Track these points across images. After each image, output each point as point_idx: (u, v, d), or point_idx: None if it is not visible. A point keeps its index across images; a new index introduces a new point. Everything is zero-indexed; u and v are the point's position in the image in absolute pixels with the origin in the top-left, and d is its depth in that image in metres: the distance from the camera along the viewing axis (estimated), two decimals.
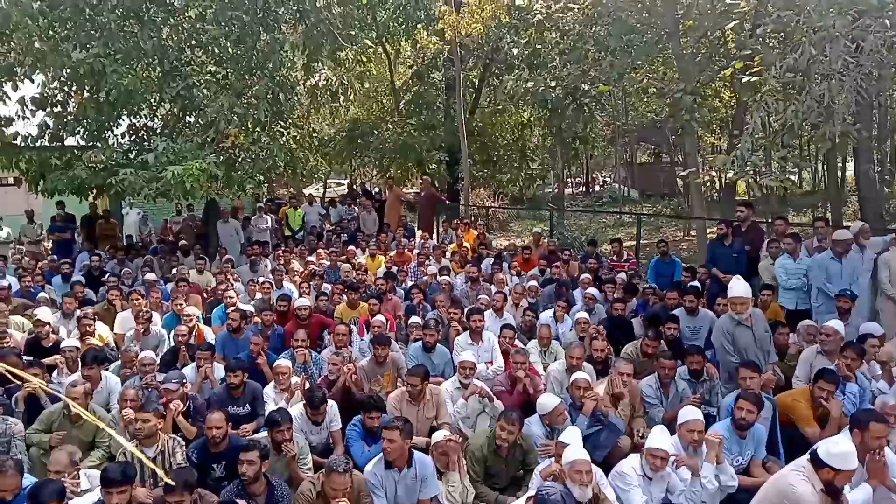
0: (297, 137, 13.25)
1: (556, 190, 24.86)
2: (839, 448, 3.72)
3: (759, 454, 4.91)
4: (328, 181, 26.25)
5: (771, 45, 8.66)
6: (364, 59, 14.93)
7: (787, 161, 9.75)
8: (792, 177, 21.64)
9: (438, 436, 4.76)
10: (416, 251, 11.34)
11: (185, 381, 5.62)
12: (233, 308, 7.43)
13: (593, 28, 12.29)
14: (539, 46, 14.36)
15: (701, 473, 4.46)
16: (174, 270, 10.05)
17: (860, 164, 10.91)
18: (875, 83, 7.57)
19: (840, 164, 17.25)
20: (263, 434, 4.89)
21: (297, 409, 5.33)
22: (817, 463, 3.75)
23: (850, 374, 5.49)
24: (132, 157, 10.77)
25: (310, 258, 10.65)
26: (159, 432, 4.79)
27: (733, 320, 5.89)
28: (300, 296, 8.45)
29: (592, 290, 8.10)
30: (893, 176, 20.27)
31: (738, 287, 5.90)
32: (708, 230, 13.02)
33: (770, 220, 9.19)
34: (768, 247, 7.97)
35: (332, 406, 5.45)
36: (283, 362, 5.91)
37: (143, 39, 9.99)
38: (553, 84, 13.80)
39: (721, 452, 4.51)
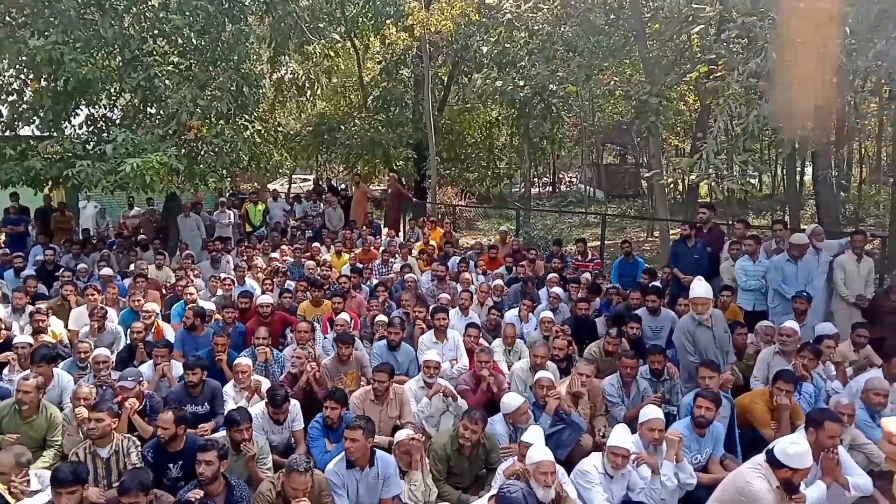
0: (262, 131, 13.06)
1: (523, 189, 25.01)
2: (795, 448, 3.79)
3: (718, 452, 4.98)
4: (294, 176, 25.94)
5: (735, 50, 8.81)
6: (332, 54, 14.80)
7: (749, 165, 9.93)
8: (752, 180, 22.17)
9: (401, 435, 4.72)
10: (381, 249, 11.26)
11: (141, 379, 5.46)
12: (190, 305, 7.27)
13: (562, 28, 12.37)
14: (508, 46, 14.42)
15: (661, 471, 4.50)
16: (132, 266, 9.79)
17: (818, 168, 11.17)
18: (834, 89, 7.75)
19: (799, 169, 17.72)
20: (222, 433, 4.79)
21: (258, 408, 5.24)
22: (774, 463, 3.82)
23: (806, 374, 5.62)
24: (90, 148, 10.46)
25: (273, 254, 10.49)
26: (114, 432, 4.65)
27: (694, 320, 5.98)
28: (262, 293, 8.31)
29: (557, 290, 8.14)
30: (850, 181, 20.89)
31: (700, 288, 5.99)
32: (671, 231, 13.25)
33: (731, 223, 9.37)
34: (729, 248, 8.12)
35: (294, 405, 5.36)
36: (243, 361, 5.79)
37: (103, 27, 9.72)
38: (521, 83, 13.88)
39: (681, 450, 4.56)
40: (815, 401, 5.56)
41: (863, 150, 23.45)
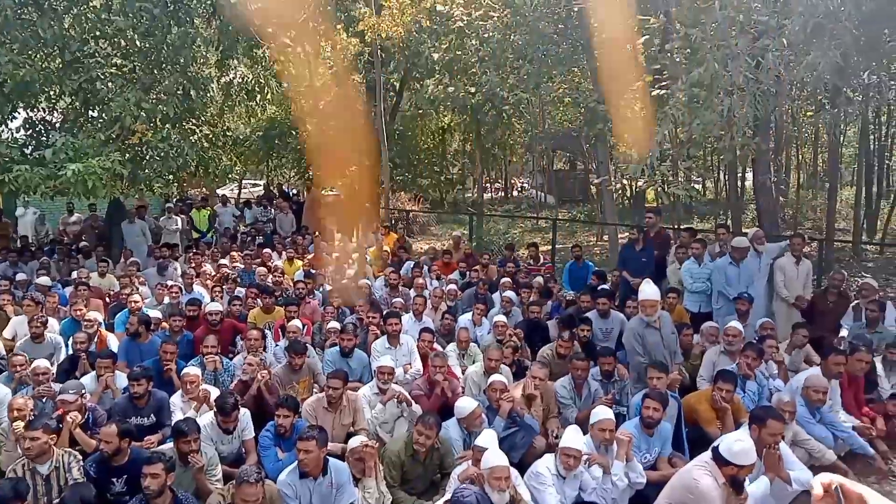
0: (210, 136, 12.79)
1: (476, 195, 25.15)
2: (739, 445, 3.91)
3: (666, 451, 5.10)
4: (244, 182, 25.49)
5: (678, 60, 9.09)
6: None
7: (693, 171, 10.24)
8: (697, 186, 22.84)
9: (355, 442, 4.68)
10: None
11: (83, 391, 5.27)
12: (135, 312, 7.06)
13: (512, 36, 12.53)
14: (459, 53, 14.51)
15: (612, 471, 4.59)
16: (73, 274, 9.45)
17: (758, 174, 11.57)
18: (773, 98, 8.07)
19: (740, 174, 18.34)
20: (169, 445, 4.66)
21: (206, 418, 5.11)
22: (720, 460, 3.94)
23: (750, 372, 5.81)
24: (28, 152, 10.06)
25: (223, 261, 10.28)
26: (53, 448, 4.47)
27: (643, 322, 6.12)
28: (212, 300, 8.13)
29: (510, 294, 8.21)
30: (788, 186, 21.71)
31: (648, 290, 6.13)
32: (619, 235, 13.54)
33: (677, 227, 9.64)
34: (675, 252, 8.34)
35: (244, 414, 5.25)
36: (191, 370, 5.65)
37: (42, 28, 9.38)
38: (473, 90, 14.00)
39: (630, 450, 4.66)
40: (758, 398, 5.75)
41: (800, 156, 24.43)
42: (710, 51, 7.30)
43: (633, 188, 19.75)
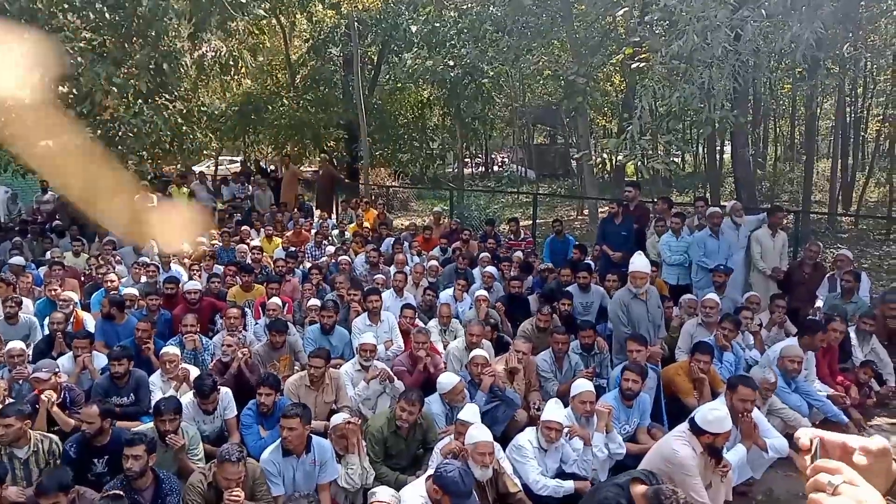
0: (184, 111, 12.54)
1: (456, 170, 25.05)
2: (714, 414, 3.99)
3: (644, 422, 5.18)
4: (221, 158, 25.12)
5: (658, 32, 9.05)
6: (257, 31, 14.29)
7: (672, 145, 10.26)
8: (676, 159, 22.96)
9: (337, 419, 4.68)
10: (313, 231, 11.07)
11: (57, 370, 5.22)
12: (111, 292, 6.96)
13: (490, 8, 12.39)
14: (438, 25, 14.34)
15: (592, 442, 4.65)
16: (48, 254, 9.27)
17: (737, 147, 11.66)
18: (751, 71, 8.08)
19: (718, 147, 18.46)
20: (149, 425, 4.63)
21: (187, 398, 5.08)
22: (696, 430, 4.00)
23: (727, 343, 5.89)
24: None
25: (200, 238, 10.14)
26: (30, 431, 4.41)
27: (630, 293, 6.16)
28: (189, 279, 8.03)
29: (491, 269, 8.22)
30: (766, 159, 21.93)
31: (639, 262, 6.17)
32: (599, 209, 13.59)
33: (655, 200, 9.69)
34: (655, 225, 8.39)
35: (225, 393, 5.22)
36: (170, 349, 5.59)
37: (8, 2, 9.05)
38: (452, 63, 13.86)
39: (610, 422, 4.71)
40: (735, 369, 5.84)
41: (777, 129, 24.63)
42: (690, 23, 7.26)
43: (613, 162, 19.79)
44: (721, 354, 5.84)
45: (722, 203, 10.78)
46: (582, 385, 4.83)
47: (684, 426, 4.15)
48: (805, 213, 12.68)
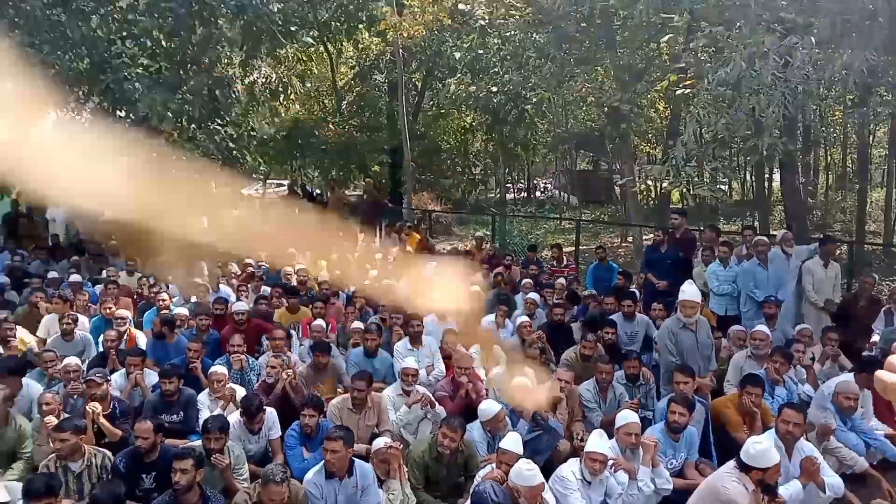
0: (235, 136, 12.93)
1: (498, 195, 25.09)
2: (757, 448, 3.89)
3: (692, 456, 5.04)
4: (268, 181, 25.71)
5: (703, 59, 8.97)
6: (305, 58, 14.70)
7: (719, 171, 10.12)
8: (723, 187, 22.57)
9: (379, 443, 4.69)
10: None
11: (108, 378, 5.44)
12: (163, 311, 7.15)
13: (534, 35, 12.48)
14: (481, 52, 14.50)
15: (637, 476, 4.54)
16: (103, 273, 9.60)
17: (786, 175, 11.42)
18: (801, 98, 7.93)
19: (767, 175, 18.09)
20: (198, 442, 4.72)
21: (234, 417, 5.16)
22: (743, 467, 3.90)
23: (778, 378, 5.72)
24: None
25: (248, 260, 10.35)
26: (85, 446, 4.55)
27: (679, 322, 6.04)
28: (237, 299, 8.20)
29: (533, 295, 8.17)
30: (817, 187, 21.37)
31: (690, 290, 6.04)
32: (644, 237, 13.42)
33: (702, 228, 9.54)
34: (701, 254, 8.24)
35: (270, 413, 5.29)
36: (218, 369, 5.71)
37: (70, 29, 9.54)
38: (495, 90, 13.97)
39: (656, 455, 4.61)
40: (778, 411, 5.65)
41: (829, 157, 24.02)
42: (737, 49, 7.19)
43: (658, 189, 19.57)
44: (773, 389, 5.67)
45: (771, 232, 10.54)
46: (627, 416, 4.74)
47: (733, 463, 4.04)
48: (859, 243, 12.30)
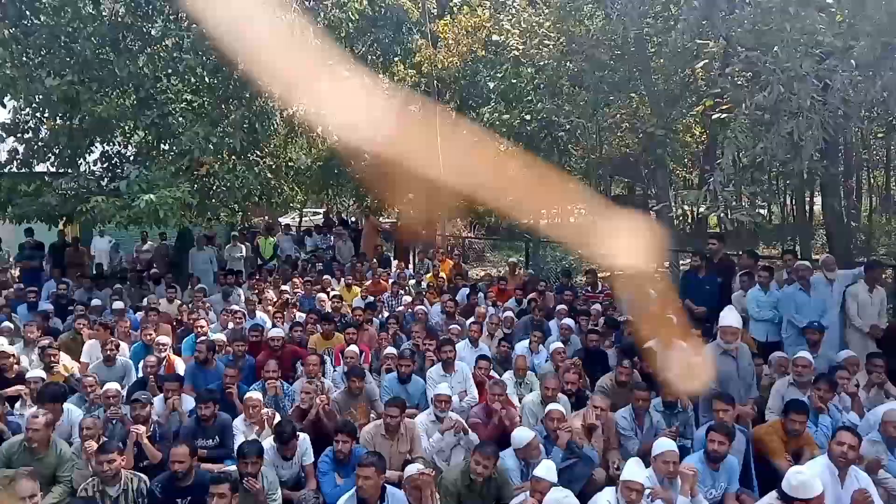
0: (273, 166, 13.23)
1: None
2: (798, 478, 3.77)
3: (733, 487, 4.90)
4: (305, 210, 26.14)
5: (740, 83, 8.90)
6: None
7: (757, 196, 9.95)
8: (762, 211, 22.14)
9: (411, 469, 4.68)
10: (391, 281, 11.27)
11: (151, 401, 5.57)
12: (201, 339, 7.28)
13: (568, 64, 12.54)
14: (515, 81, 14.61)
15: None
16: (145, 300, 9.85)
17: (828, 198, 11.17)
18: (841, 121, 7.81)
19: (808, 199, 17.71)
20: (233, 467, 4.77)
21: (268, 443, 5.21)
22: (785, 498, 3.78)
23: (822, 405, 5.54)
24: (104, 184, 10.64)
25: (284, 287, 10.52)
26: (122, 469, 4.64)
27: (719, 348, 5.92)
28: (273, 326, 8.32)
29: (568, 321, 8.10)
30: (860, 210, 20.81)
31: (730, 317, 5.94)
32: (680, 262, 13.21)
33: (739, 253, 9.36)
34: (740, 279, 8.08)
35: (303, 439, 5.33)
36: (253, 394, 5.78)
37: (118, 67, 9.94)
38: (528, 118, 14.03)
39: (695, 485, 4.49)
40: (831, 433, 5.46)
41: (872, 180, 23.42)
42: (774, 74, 7.13)
43: (695, 214, 19.30)
44: (816, 417, 5.49)
45: (813, 257, 10.28)
46: (665, 444, 4.64)
47: (775, 494, 3.91)
48: None
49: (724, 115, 7.80)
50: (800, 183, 10.16)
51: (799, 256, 9.03)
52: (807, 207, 17.86)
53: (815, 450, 4.92)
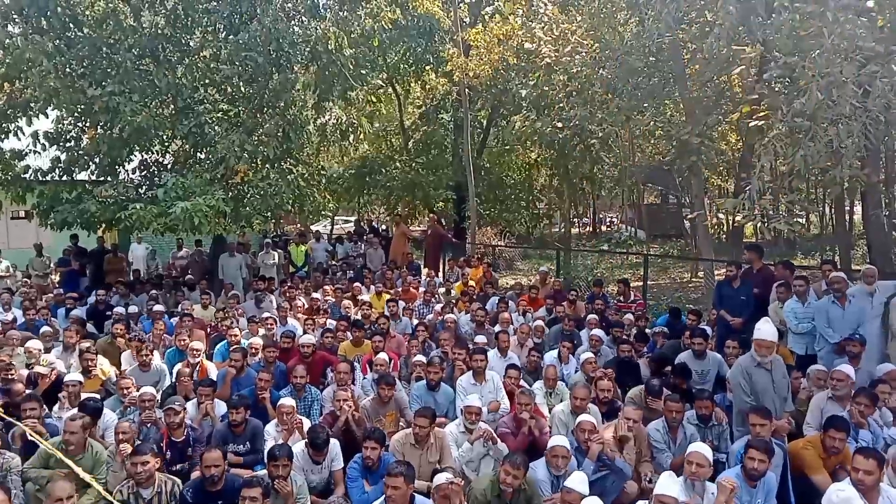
0: (306, 175, 13.38)
1: (563, 230, 24.88)
2: (840, 496, 3.66)
3: (770, 503, 4.77)
4: (336, 218, 26.40)
5: (777, 89, 8.73)
6: (374, 99, 15.15)
7: (796, 204, 9.72)
8: (800, 220, 21.61)
9: (440, 478, 4.65)
10: (421, 289, 11.29)
11: (185, 406, 5.69)
12: (234, 348, 7.36)
13: (600, 71, 12.45)
14: (547, 88, 14.55)
15: None
16: (180, 305, 10.03)
17: (868, 207, 10.86)
18: (883, 127, 7.60)
19: (848, 208, 17.25)
20: (264, 472, 4.81)
21: (299, 447, 5.23)
22: None
23: (862, 420, 5.37)
24: (142, 192, 10.88)
25: (315, 294, 10.62)
26: (156, 472, 4.71)
27: (754, 360, 5.77)
28: (304, 332, 8.39)
29: (598, 332, 8.00)
30: None
31: (766, 330, 5.78)
32: (716, 272, 12.97)
33: (776, 263, 9.14)
34: (776, 290, 7.90)
35: (334, 445, 5.35)
36: (287, 401, 5.81)
37: (157, 78, 10.18)
38: (560, 125, 13.95)
39: (732, 500, 4.37)
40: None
41: None
42: (813, 79, 6.96)
43: (731, 222, 18.97)
44: (857, 432, 5.32)
45: (854, 267, 9.99)
46: (697, 446, 4.59)
47: None
48: None
49: (762, 123, 7.65)
50: (840, 191, 9.88)
51: (838, 267, 8.76)
52: (847, 217, 17.39)
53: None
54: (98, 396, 6.21)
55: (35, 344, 7.31)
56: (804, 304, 7.38)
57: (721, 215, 13.66)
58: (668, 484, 4.24)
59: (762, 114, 7.67)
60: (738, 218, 8.14)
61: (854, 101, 6.80)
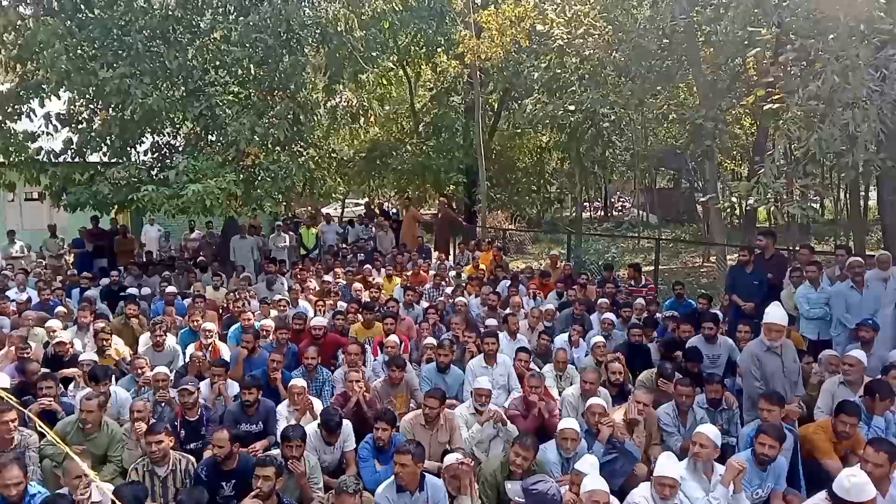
0: (317, 157, 13.40)
1: (574, 213, 24.80)
2: (852, 481, 3.66)
3: (780, 487, 4.78)
4: (346, 201, 26.44)
5: (792, 72, 8.61)
6: (385, 82, 15.08)
7: (810, 189, 9.62)
8: (814, 205, 21.44)
9: (450, 459, 4.69)
10: (432, 272, 11.31)
11: (198, 386, 5.76)
12: (246, 329, 7.42)
13: (613, 53, 12.34)
14: (559, 71, 14.45)
15: (713, 495, 4.35)
16: (192, 286, 10.10)
17: (884, 192, 10.74)
18: None
19: (863, 193, 17.05)
20: (278, 451, 4.87)
21: (311, 428, 5.29)
22: (836, 500, 3.67)
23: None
24: (154, 174, 10.93)
25: (326, 277, 10.66)
26: (171, 451, 4.78)
27: (763, 345, 5.76)
28: (315, 314, 8.44)
29: (609, 315, 8.00)
30: None
31: (776, 313, 5.75)
32: (728, 256, 12.91)
33: (790, 248, 9.09)
34: (790, 275, 7.85)
35: (346, 426, 5.40)
36: (298, 382, 5.86)
37: (168, 60, 10.18)
38: (572, 108, 13.85)
39: (740, 481, 4.39)
40: (886, 435, 5.27)
41: None
42: (829, 63, 6.87)
43: (743, 207, 18.84)
44: (869, 418, 5.30)
45: (868, 253, 9.90)
46: (704, 428, 4.60)
47: (824, 494, 3.80)
48: None
49: (776, 106, 7.56)
50: (855, 176, 9.76)
51: (853, 252, 8.69)
52: (861, 202, 17.20)
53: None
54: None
55: (55, 323, 7.41)
56: (816, 290, 7.34)
57: (734, 199, 13.51)
58: (666, 465, 4.24)
59: (777, 97, 7.59)
60: (750, 201, 8.07)
61: (870, 84, 6.71)
